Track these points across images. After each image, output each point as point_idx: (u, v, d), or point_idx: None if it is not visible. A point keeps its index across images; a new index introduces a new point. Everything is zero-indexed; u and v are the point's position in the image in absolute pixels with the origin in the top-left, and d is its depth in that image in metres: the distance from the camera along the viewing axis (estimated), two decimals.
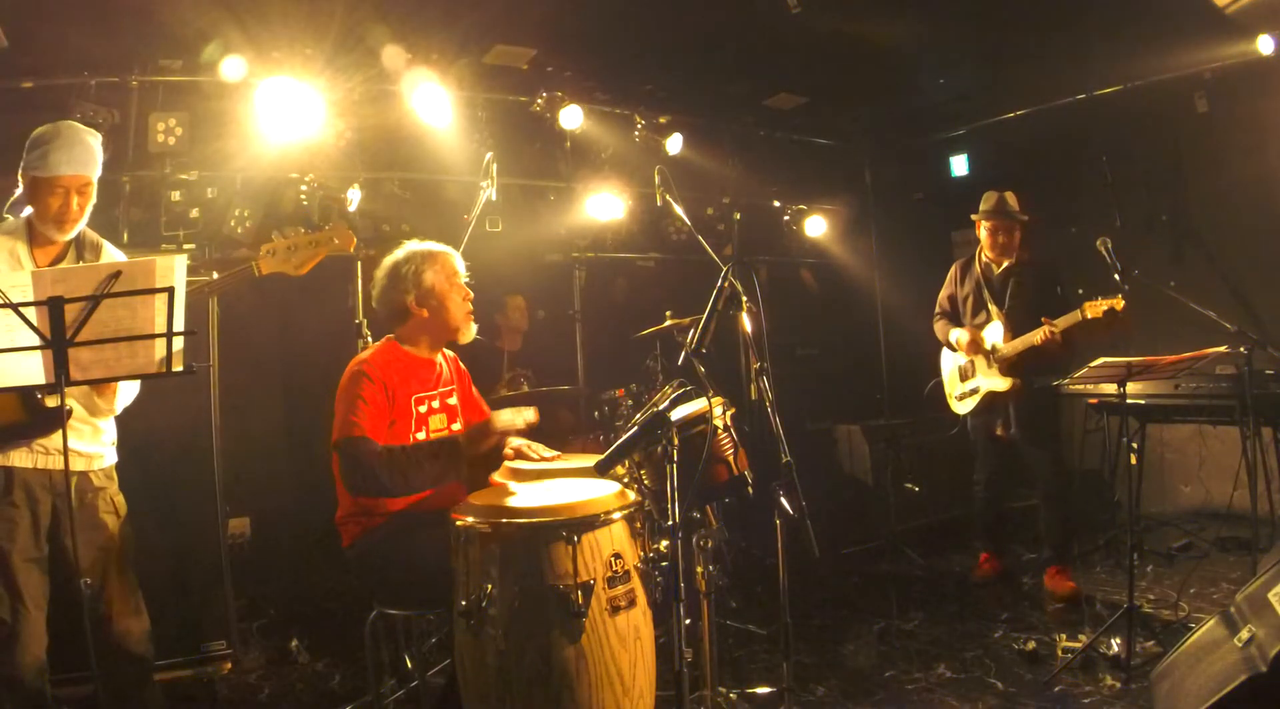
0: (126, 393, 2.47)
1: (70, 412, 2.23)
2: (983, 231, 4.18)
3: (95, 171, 2.37)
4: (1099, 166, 5.50)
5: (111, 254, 2.50)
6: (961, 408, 4.33)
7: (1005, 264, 4.15)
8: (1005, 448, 4.20)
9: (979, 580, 4.29)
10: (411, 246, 2.71)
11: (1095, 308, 3.64)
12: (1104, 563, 4.41)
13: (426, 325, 2.67)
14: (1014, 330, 4.00)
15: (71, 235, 2.38)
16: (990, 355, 4.10)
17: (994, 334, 4.10)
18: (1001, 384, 4.07)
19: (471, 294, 2.74)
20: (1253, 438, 3.73)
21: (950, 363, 4.39)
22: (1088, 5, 4.43)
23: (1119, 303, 3.55)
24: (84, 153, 2.33)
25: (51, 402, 2.20)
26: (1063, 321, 3.76)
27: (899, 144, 6.62)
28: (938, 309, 4.44)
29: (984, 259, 4.23)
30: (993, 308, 4.14)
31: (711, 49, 4.92)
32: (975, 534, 4.44)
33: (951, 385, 4.38)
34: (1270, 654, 2.11)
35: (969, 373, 4.25)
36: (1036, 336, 3.83)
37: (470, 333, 2.74)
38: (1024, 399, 4.04)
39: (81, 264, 2.37)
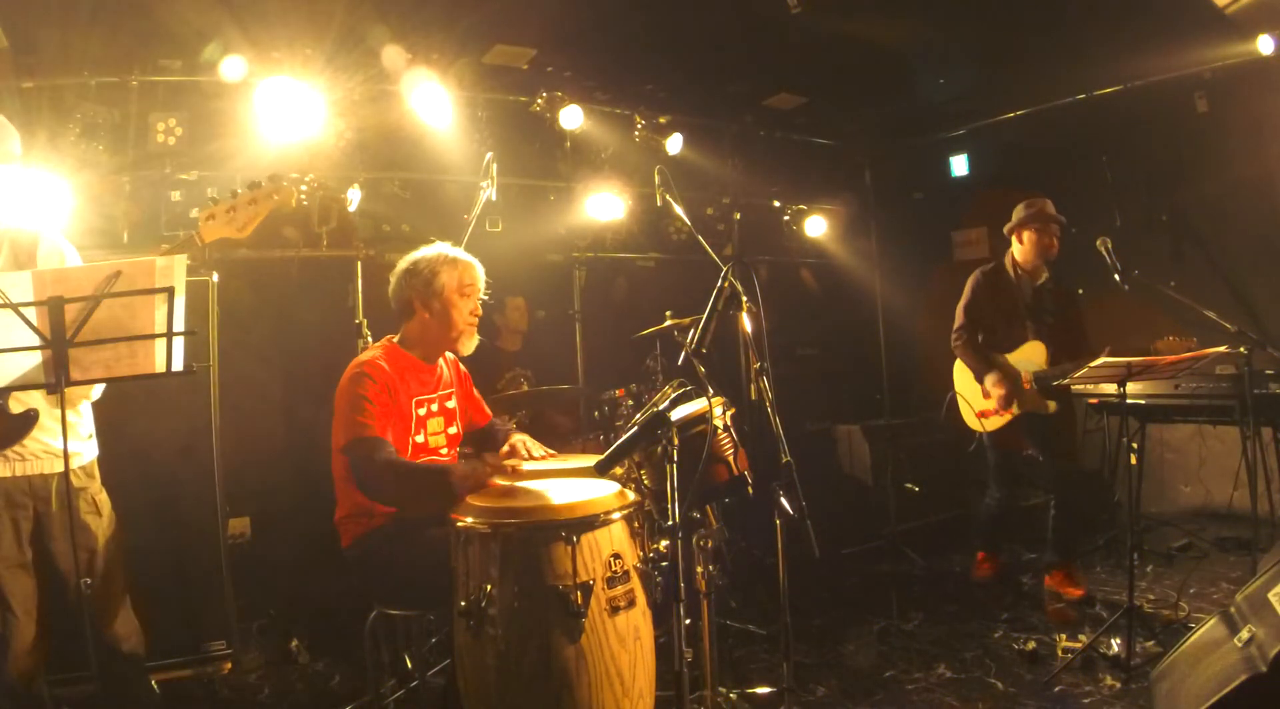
0: None
1: (36, 414, 2.21)
2: (1027, 238, 4.01)
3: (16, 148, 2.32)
4: (1099, 166, 5.50)
5: (49, 239, 2.38)
6: (988, 425, 4.11)
7: (1042, 278, 4.04)
8: (1024, 463, 4.10)
9: (979, 580, 4.29)
10: (439, 247, 2.70)
11: (1172, 346, 3.41)
12: (1104, 563, 4.40)
13: (427, 328, 2.66)
14: (1054, 350, 3.89)
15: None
16: (1028, 381, 3.94)
17: (1030, 356, 3.97)
18: (1046, 408, 3.91)
19: (480, 310, 2.72)
20: (1253, 438, 3.72)
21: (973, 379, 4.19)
22: (1088, 5, 4.43)
23: (1194, 343, 3.34)
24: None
25: (16, 407, 2.19)
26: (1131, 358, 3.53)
27: (899, 144, 6.62)
28: (964, 321, 4.16)
29: (1018, 271, 4.08)
30: (1030, 325, 4.01)
31: (711, 49, 4.92)
32: (974, 535, 4.43)
33: (976, 402, 4.13)
34: (1270, 654, 2.11)
35: None
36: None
37: (470, 346, 2.72)
38: (1061, 416, 3.92)
39: (86, 264, 2.35)
